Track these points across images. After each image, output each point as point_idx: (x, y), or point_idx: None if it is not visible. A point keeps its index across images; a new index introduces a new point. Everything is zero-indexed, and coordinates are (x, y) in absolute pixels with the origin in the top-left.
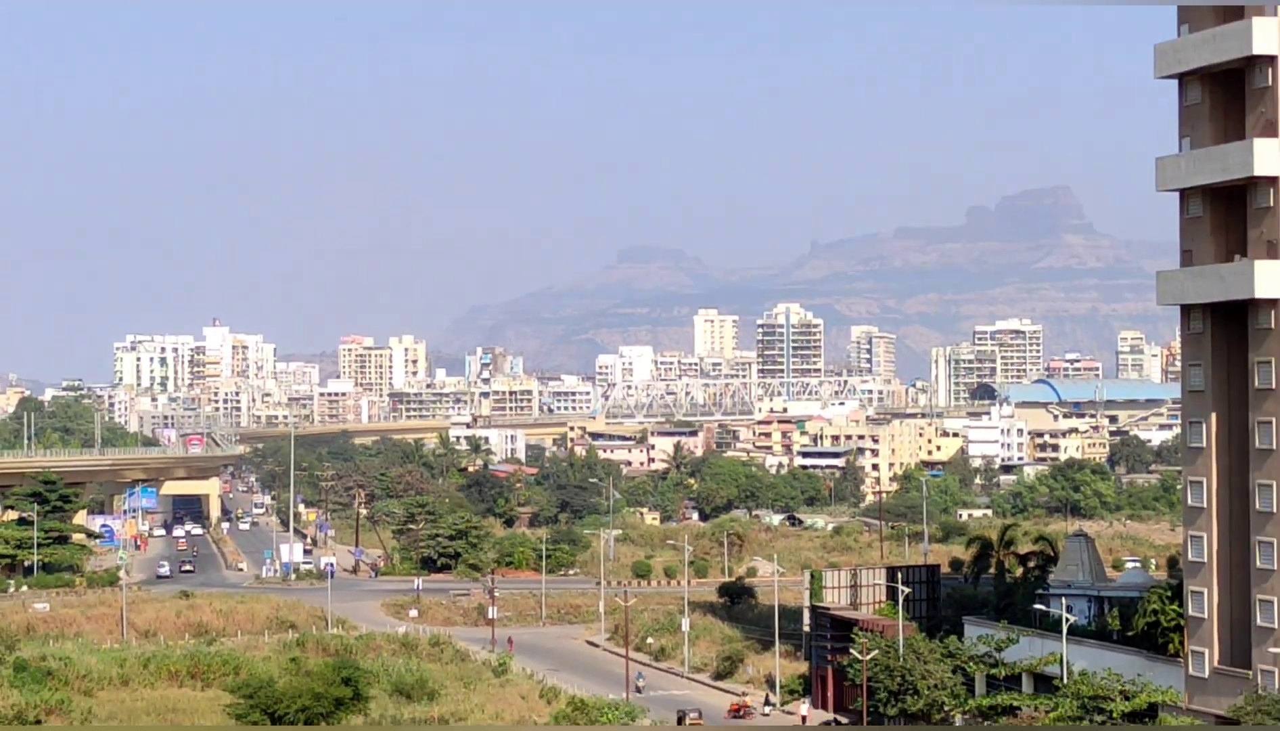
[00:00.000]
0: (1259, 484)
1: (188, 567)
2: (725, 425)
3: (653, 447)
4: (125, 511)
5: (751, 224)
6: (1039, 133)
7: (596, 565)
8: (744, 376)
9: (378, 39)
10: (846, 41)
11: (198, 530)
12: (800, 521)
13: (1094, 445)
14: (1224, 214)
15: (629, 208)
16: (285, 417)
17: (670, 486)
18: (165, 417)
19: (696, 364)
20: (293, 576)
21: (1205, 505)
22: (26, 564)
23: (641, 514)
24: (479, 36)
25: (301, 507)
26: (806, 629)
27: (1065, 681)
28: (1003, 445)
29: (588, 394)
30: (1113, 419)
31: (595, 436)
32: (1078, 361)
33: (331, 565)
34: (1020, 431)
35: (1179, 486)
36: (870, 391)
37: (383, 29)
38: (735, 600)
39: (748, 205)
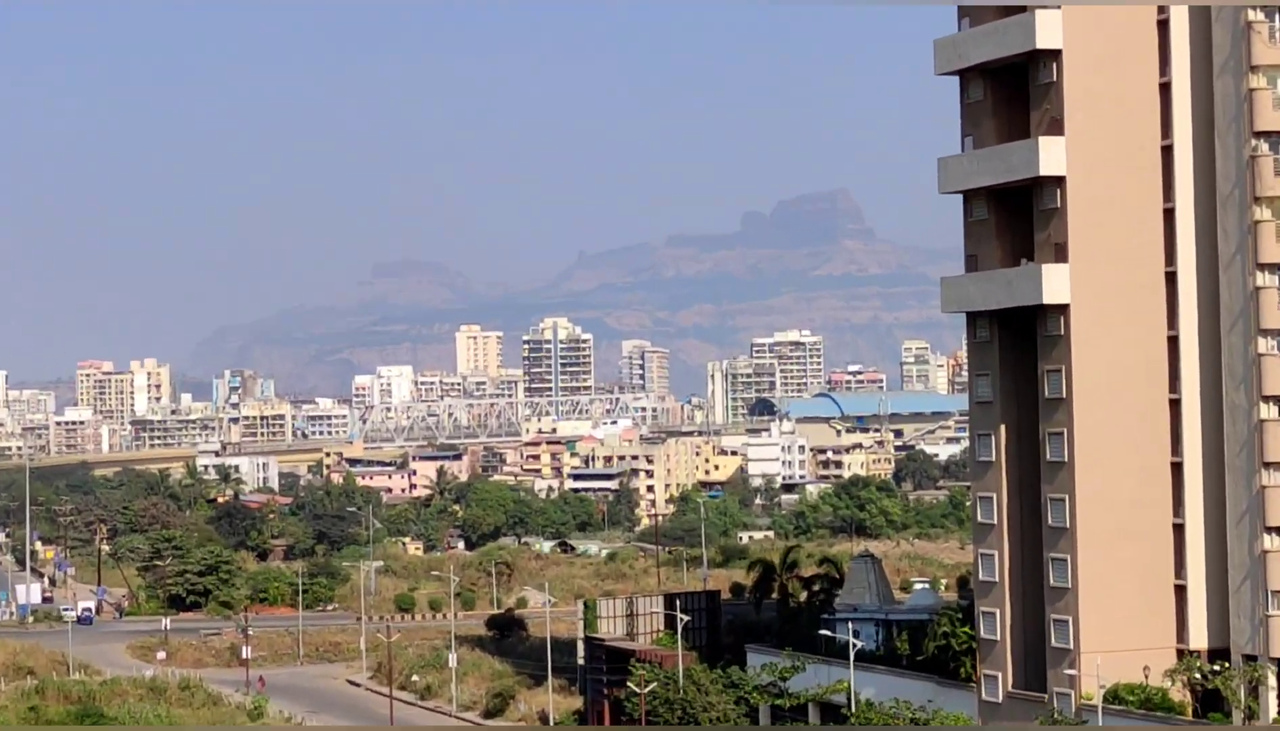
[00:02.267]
0: (1050, 498)
1: None
2: (491, 447)
3: (414, 473)
4: None
5: (516, 235)
6: (816, 133)
7: (357, 599)
8: (510, 395)
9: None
10: (612, 47)
11: None
12: (572, 548)
13: (879, 461)
14: (1009, 216)
15: (385, 219)
16: (19, 449)
17: (434, 514)
18: None
19: (459, 383)
20: (30, 619)
21: (995, 521)
22: None
23: (404, 544)
24: (230, 41)
25: (38, 545)
26: (581, 661)
27: (853, 710)
28: (784, 463)
29: (344, 417)
30: (898, 433)
31: (353, 462)
32: (860, 373)
33: (89, 612)
34: (802, 448)
35: (968, 502)
36: (644, 409)
37: (79, 35)
38: (505, 633)
39: (512, 216)
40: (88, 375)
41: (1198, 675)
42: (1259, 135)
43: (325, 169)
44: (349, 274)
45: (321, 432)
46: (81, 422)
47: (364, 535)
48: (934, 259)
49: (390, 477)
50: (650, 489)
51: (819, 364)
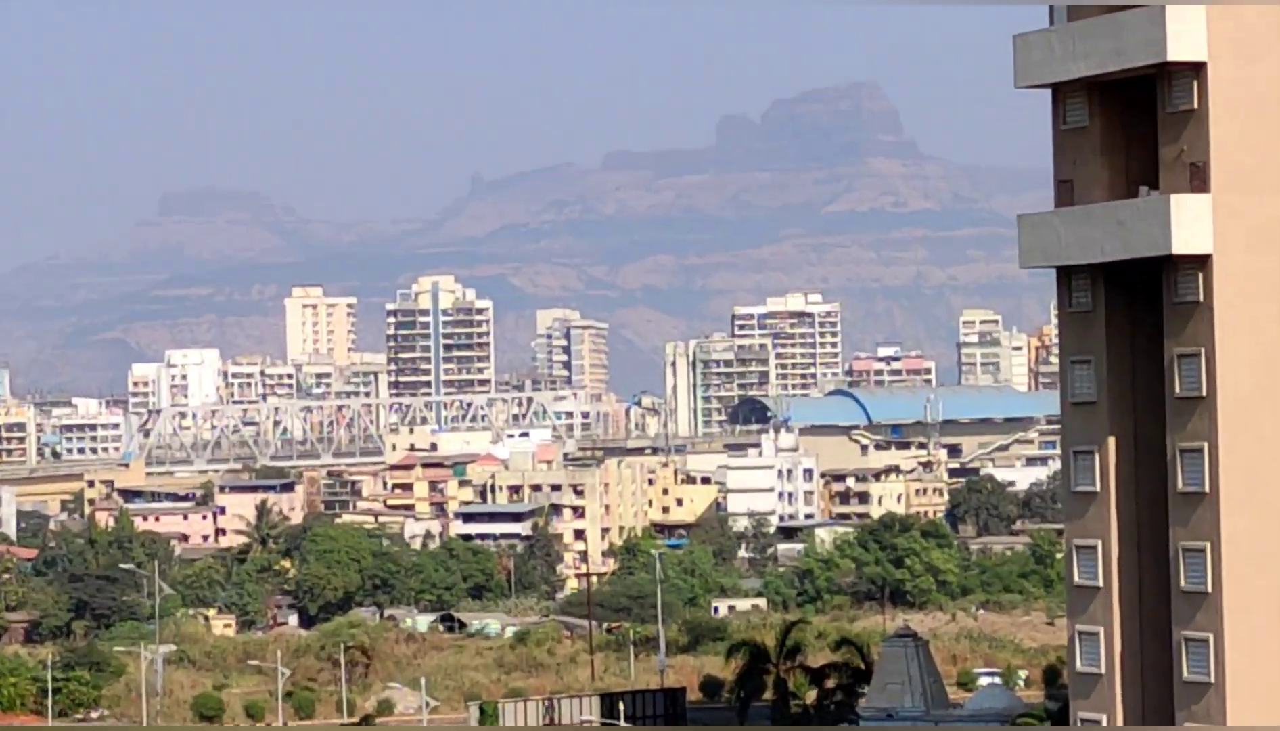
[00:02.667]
0: (1184, 548)
1: None
2: (339, 472)
3: (222, 511)
4: None
5: (376, 154)
6: (832, 6)
7: (136, 702)
8: (368, 394)
9: None
10: None
11: None
12: (462, 625)
13: (925, 492)
14: (1122, 123)
15: (181, 134)
16: None
17: (252, 573)
18: None
19: (292, 375)
20: None
21: (1102, 583)
22: None
23: (206, 618)
24: None
25: None
26: None
27: None
28: (782, 495)
29: (117, 427)
30: (954, 450)
31: (131, 495)
32: (897, 359)
33: None
34: (809, 473)
35: (1059, 555)
36: (569, 414)
37: None
38: None
39: (369, 124)
40: None
41: None
42: None
43: (104, 74)
44: (124, 211)
45: (83, 450)
46: None
47: (146, 606)
48: (1006, 186)
49: (186, 519)
50: (580, 535)
51: (835, 346)
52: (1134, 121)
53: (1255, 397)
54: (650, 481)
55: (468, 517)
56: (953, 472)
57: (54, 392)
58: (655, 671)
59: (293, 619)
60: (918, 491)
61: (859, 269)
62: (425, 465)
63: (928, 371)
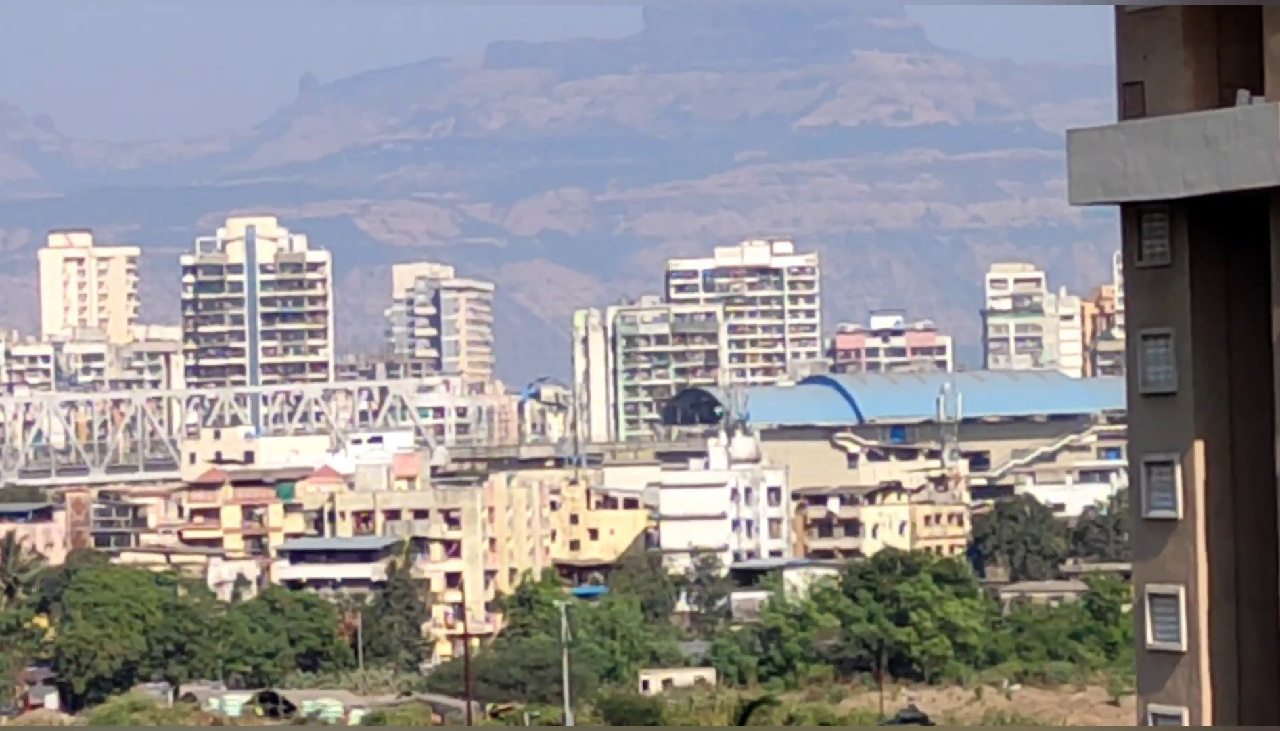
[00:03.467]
0: None
1: None
2: (116, 492)
3: None
4: None
5: (166, 46)
6: None
7: None
8: (156, 382)
9: None
10: None
11: None
12: (291, 707)
13: (939, 519)
14: (1205, 8)
15: None
16: None
17: None
18: None
19: (49, 357)
20: None
21: (1186, 645)
22: None
23: None
24: None
25: None
26: None
27: None
28: (737, 524)
29: None
30: (978, 460)
31: None
32: (898, 333)
33: None
34: (775, 493)
35: (1126, 607)
36: (440, 411)
37: None
38: None
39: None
40: None
41: None
42: None
43: None
44: None
45: None
46: None
47: None
48: (1051, 90)
49: None
50: (455, 581)
51: (811, 315)
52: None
53: None
54: (554, 505)
55: (296, 557)
56: (977, 492)
57: None
58: None
59: (51, 699)
60: (927, 519)
61: (845, 207)
62: (237, 483)
63: (941, 350)
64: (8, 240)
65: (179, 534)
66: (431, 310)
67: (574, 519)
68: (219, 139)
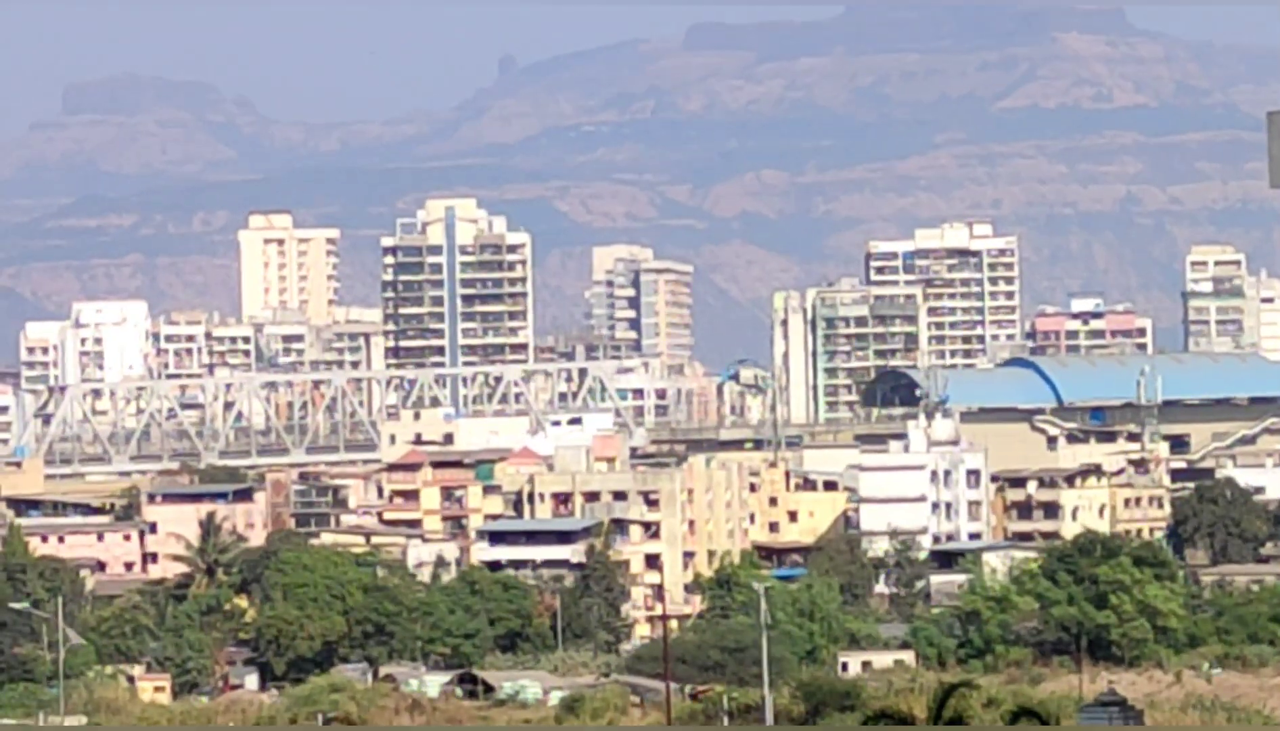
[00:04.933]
0: None
1: None
2: (316, 474)
3: (153, 529)
4: None
5: (366, 29)
6: None
7: None
8: (356, 364)
9: None
10: None
11: None
12: (489, 688)
13: (1139, 501)
14: None
15: (89, 8)
16: None
17: (195, 615)
18: None
19: (249, 339)
20: None
21: None
22: None
23: (131, 679)
24: None
25: None
26: None
27: None
28: (937, 506)
29: (4, 411)
30: (1178, 442)
31: (25, 506)
32: (1099, 314)
33: None
34: (974, 476)
35: None
36: (639, 393)
37: None
38: None
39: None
40: None
41: None
42: None
43: None
44: (12, 109)
45: None
46: None
47: (46, 661)
48: (1254, 71)
49: (102, 539)
50: (654, 563)
51: (1011, 297)
52: None
53: None
54: (753, 487)
55: (496, 538)
56: (1177, 475)
57: None
58: None
59: (251, 679)
60: (1127, 501)
61: (1044, 189)
62: (436, 464)
63: (1141, 333)
64: (208, 221)
65: (379, 515)
66: (631, 292)
67: (773, 501)
68: (418, 120)
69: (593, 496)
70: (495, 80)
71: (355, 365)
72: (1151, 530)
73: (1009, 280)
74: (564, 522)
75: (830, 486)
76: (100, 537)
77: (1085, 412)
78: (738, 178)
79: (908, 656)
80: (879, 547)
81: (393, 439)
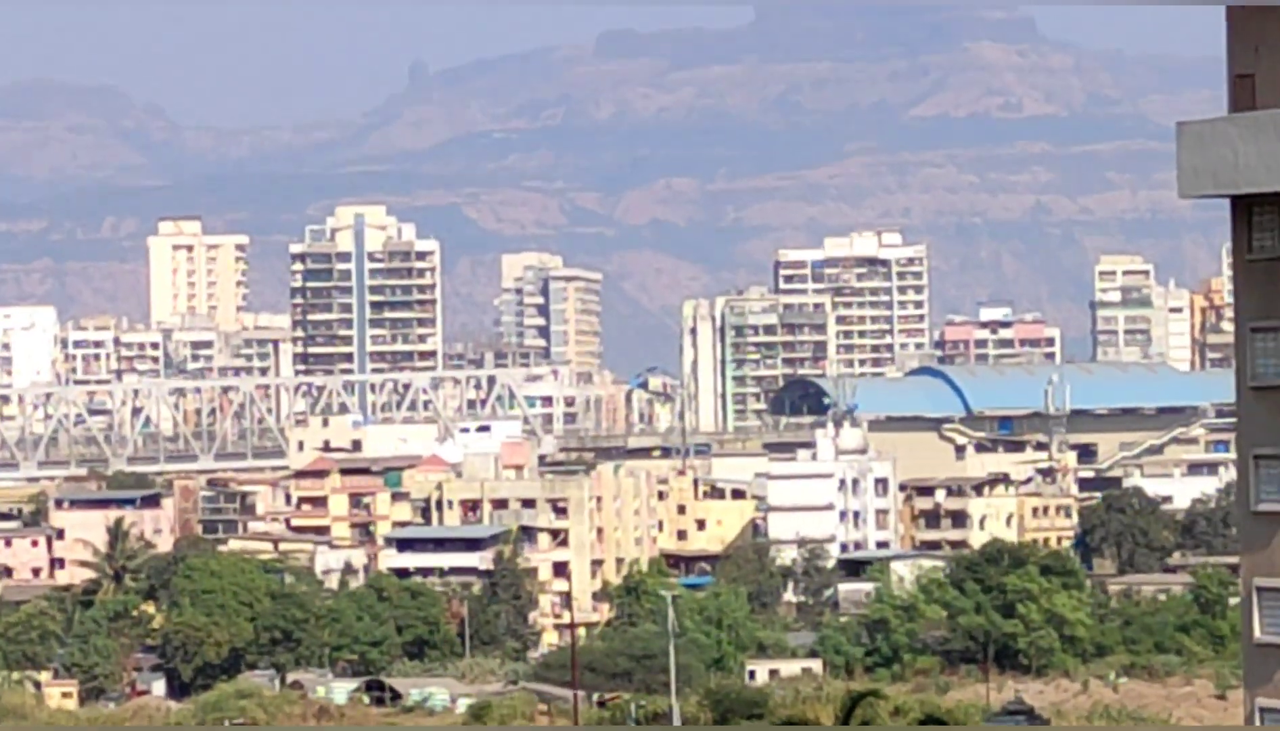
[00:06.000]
0: None
1: None
2: (224, 480)
3: (60, 535)
4: None
5: (275, 34)
6: None
7: None
8: (265, 370)
9: None
10: None
11: None
12: (397, 695)
13: (1046, 511)
14: None
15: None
16: None
17: (102, 621)
18: None
19: (157, 344)
20: None
21: None
22: None
23: (38, 685)
24: None
25: None
26: None
27: None
28: (845, 514)
29: None
30: (1085, 452)
31: None
32: (1008, 324)
33: None
34: (882, 484)
35: (1234, 599)
36: (548, 400)
37: None
38: None
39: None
40: None
41: None
42: None
43: None
44: None
45: None
46: None
47: None
48: (1162, 81)
49: (9, 545)
50: (562, 570)
51: (920, 306)
52: None
53: None
54: (661, 495)
55: (404, 545)
56: (1084, 484)
57: None
58: None
59: (158, 685)
60: (1035, 510)
61: (954, 198)
62: (345, 471)
63: (1050, 342)
64: (117, 227)
65: (287, 521)
66: (540, 299)
67: (681, 509)
68: (329, 127)
69: (501, 504)
70: (406, 86)
71: (264, 371)
72: (1059, 539)
73: (918, 289)
74: (472, 529)
75: (738, 494)
76: (8, 543)
77: (993, 422)
78: (648, 185)
79: (815, 665)
80: (787, 556)
81: (301, 445)
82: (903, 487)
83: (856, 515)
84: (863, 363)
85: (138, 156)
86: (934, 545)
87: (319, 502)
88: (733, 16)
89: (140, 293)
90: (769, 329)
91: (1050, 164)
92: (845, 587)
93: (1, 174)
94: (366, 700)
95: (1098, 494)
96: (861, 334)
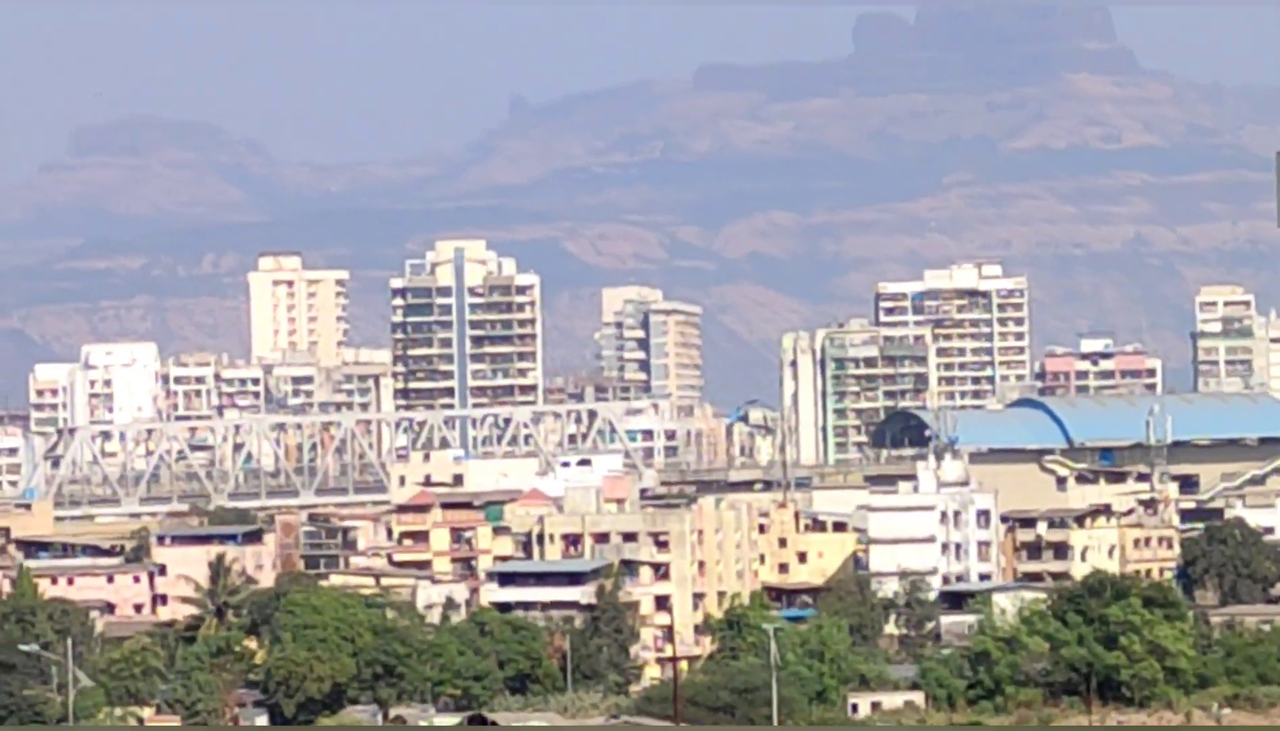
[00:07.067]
0: None
1: None
2: (325, 515)
3: (162, 571)
4: None
5: (374, 70)
6: None
7: None
8: (366, 405)
9: None
10: None
11: None
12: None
13: (1148, 542)
14: None
15: (103, 50)
16: None
17: (204, 657)
18: None
19: (258, 380)
20: None
21: None
22: None
23: (140, 720)
24: None
25: None
26: None
27: None
28: (946, 547)
29: (14, 452)
30: (1188, 483)
31: (34, 548)
32: (1109, 355)
33: None
34: (984, 516)
35: None
36: (648, 434)
37: None
38: None
39: (364, 32)
40: None
41: None
42: None
43: None
44: (21, 151)
45: None
46: None
47: (55, 703)
48: (1262, 112)
49: (112, 581)
50: (664, 604)
51: (1020, 338)
52: None
53: None
54: (762, 528)
55: (505, 579)
56: (1186, 515)
57: None
58: None
59: (261, 720)
60: (1137, 542)
61: (1054, 229)
62: (446, 506)
63: (1151, 373)
64: (217, 263)
65: (388, 556)
66: (640, 333)
67: (782, 542)
68: (428, 162)
69: (602, 537)
70: (505, 121)
71: (364, 407)
72: (1161, 570)
73: (1018, 321)
74: (574, 564)
75: (840, 527)
76: (110, 579)
77: (1095, 453)
78: (747, 218)
79: (917, 697)
80: (888, 588)
81: (402, 480)
82: (1004, 519)
83: (958, 547)
84: (963, 395)
85: (236, 192)
86: (1036, 577)
87: (420, 537)
88: (831, 50)
89: (241, 328)
90: (869, 361)
91: (1149, 195)
92: (947, 620)
93: (102, 211)
94: None
95: (1200, 525)
96: (962, 366)
